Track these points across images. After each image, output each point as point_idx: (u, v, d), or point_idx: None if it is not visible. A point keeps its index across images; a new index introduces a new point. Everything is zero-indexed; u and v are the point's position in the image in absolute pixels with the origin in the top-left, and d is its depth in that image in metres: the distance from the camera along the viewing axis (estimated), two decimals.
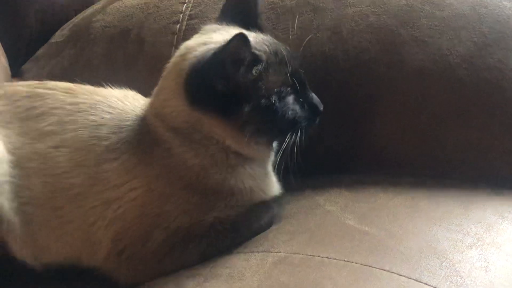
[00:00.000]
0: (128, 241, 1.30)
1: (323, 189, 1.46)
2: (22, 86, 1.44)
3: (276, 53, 1.30)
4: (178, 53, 1.35)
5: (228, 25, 1.37)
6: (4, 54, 2.04)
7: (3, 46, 2.06)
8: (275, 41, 1.35)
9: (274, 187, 1.41)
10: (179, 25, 1.77)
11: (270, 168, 1.40)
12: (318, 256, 1.21)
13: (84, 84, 1.44)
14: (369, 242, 1.24)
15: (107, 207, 1.31)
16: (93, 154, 1.32)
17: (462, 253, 1.22)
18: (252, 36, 1.30)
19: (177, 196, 1.29)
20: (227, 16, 1.39)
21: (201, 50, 1.29)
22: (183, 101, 1.29)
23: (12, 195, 1.33)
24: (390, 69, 1.50)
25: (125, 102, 1.40)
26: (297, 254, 1.23)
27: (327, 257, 1.20)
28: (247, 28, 1.34)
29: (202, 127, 1.29)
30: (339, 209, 1.36)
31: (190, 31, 1.69)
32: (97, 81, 1.78)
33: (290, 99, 1.30)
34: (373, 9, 1.56)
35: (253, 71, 1.26)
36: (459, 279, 1.16)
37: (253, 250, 1.28)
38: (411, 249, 1.22)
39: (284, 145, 1.30)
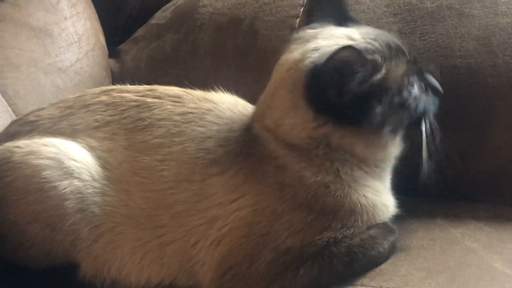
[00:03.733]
0: (233, 261, 1.23)
1: (457, 220, 1.34)
2: (130, 93, 1.38)
3: (389, 45, 1.22)
4: (282, 68, 1.25)
5: (324, 27, 1.28)
6: (102, 32, 1.95)
7: (100, 23, 1.97)
8: (379, 30, 1.28)
9: (392, 204, 1.30)
10: (299, 19, 1.64)
11: (388, 183, 1.31)
12: None
13: (194, 89, 1.37)
14: None
15: (211, 226, 1.24)
16: (199, 168, 1.26)
17: None
18: (359, 34, 1.23)
19: (289, 215, 1.21)
20: (315, 18, 1.31)
21: (314, 60, 1.19)
22: (306, 118, 1.21)
23: (99, 220, 1.28)
24: None
25: (234, 111, 1.34)
26: None
27: None
28: (341, 24, 1.28)
29: (330, 141, 1.22)
30: (482, 248, 1.23)
31: None
32: (203, 71, 1.68)
33: (416, 88, 1.24)
34: None
35: (378, 75, 1.18)
36: None
37: (383, 285, 1.17)
38: None
39: (423, 139, 1.23)
